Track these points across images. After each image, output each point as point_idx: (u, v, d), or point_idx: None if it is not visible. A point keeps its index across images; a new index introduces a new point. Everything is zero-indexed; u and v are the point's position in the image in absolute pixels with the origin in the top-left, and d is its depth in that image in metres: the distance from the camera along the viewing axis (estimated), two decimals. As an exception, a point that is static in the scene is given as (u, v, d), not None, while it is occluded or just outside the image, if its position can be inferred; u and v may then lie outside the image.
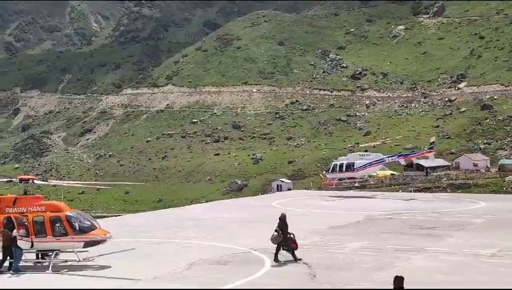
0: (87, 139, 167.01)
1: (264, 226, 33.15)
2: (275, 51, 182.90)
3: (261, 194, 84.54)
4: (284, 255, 21.65)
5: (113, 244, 23.06)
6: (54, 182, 33.12)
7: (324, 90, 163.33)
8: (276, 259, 21.42)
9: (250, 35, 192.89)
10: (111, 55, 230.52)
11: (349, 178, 52.55)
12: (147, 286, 18.20)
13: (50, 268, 20.76)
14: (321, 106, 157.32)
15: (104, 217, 59.93)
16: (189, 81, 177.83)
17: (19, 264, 20.95)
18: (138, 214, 57.68)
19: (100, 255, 22.18)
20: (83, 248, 21.54)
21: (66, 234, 21.25)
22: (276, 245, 21.66)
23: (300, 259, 21.46)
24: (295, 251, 21.74)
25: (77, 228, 21.39)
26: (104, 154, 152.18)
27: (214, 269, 20.65)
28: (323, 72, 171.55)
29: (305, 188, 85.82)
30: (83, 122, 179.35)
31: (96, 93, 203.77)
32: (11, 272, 20.56)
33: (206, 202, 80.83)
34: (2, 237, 20.76)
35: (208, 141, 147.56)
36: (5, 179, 24.39)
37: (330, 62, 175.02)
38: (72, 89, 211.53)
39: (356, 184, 58.89)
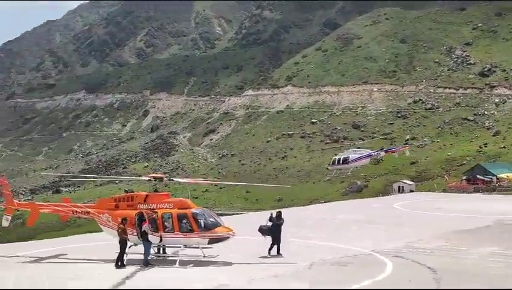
0: (211, 139, 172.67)
1: (385, 229, 32.54)
2: (396, 48, 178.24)
3: (382, 195, 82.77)
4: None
5: (236, 241, 23.67)
6: (185, 180, 34.66)
7: (449, 88, 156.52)
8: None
9: (370, 33, 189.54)
10: (233, 58, 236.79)
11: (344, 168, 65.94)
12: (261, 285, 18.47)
13: (177, 263, 21.71)
14: (446, 104, 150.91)
15: (226, 214, 61.75)
16: (309, 82, 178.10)
17: (148, 258, 22.15)
18: (259, 212, 58.77)
19: (222, 252, 22.85)
20: (208, 244, 22.31)
21: (192, 231, 22.12)
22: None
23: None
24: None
25: (202, 225, 22.20)
26: (227, 154, 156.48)
27: (334, 270, 20.55)
28: (448, 70, 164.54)
29: (429, 190, 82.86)
30: (207, 123, 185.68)
31: (220, 95, 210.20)
32: (142, 265, 21.74)
33: (325, 202, 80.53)
34: (121, 232, 21.89)
35: (328, 141, 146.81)
36: (144, 178, 25.80)
37: (456, 59, 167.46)
38: (197, 91, 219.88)
39: (352, 173, 75.95)
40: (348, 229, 32.87)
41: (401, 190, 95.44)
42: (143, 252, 21.99)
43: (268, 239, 23.67)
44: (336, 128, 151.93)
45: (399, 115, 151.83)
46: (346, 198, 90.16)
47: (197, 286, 17.79)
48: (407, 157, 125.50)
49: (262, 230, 23.97)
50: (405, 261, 21.76)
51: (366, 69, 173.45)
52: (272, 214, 24.37)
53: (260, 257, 23.03)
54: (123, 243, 21.64)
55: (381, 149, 69.67)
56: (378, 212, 42.69)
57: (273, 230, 23.61)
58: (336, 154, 71.70)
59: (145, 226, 22.05)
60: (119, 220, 22.57)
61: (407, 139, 71.63)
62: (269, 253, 23.39)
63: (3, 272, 21.27)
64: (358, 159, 62.07)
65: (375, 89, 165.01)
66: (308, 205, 73.55)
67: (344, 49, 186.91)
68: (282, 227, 23.99)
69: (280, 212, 24.25)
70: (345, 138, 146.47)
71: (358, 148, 71.96)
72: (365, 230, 31.81)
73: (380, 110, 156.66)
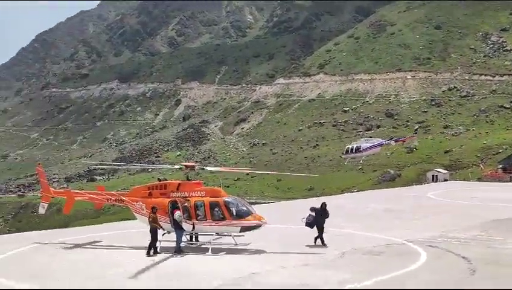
0: (242, 128, 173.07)
1: (419, 218, 32.19)
2: (431, 35, 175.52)
3: (415, 184, 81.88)
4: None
5: (267, 230, 23.70)
6: (216, 168, 34.92)
7: (485, 75, 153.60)
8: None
9: (404, 20, 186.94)
10: (265, 46, 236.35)
11: (357, 157, 68.79)
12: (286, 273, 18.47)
13: (210, 251, 21.87)
14: (482, 92, 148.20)
15: (258, 203, 61.89)
16: (341, 70, 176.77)
17: (181, 245, 22.36)
18: (291, 201, 58.82)
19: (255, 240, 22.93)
20: (239, 232, 22.40)
21: (224, 219, 22.24)
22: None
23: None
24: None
25: (234, 213, 22.29)
26: (258, 143, 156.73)
27: (366, 259, 20.42)
28: (484, 56, 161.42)
29: (464, 179, 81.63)
30: (238, 112, 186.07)
31: (251, 83, 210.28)
32: (174, 252, 21.96)
33: (358, 191, 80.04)
34: (151, 221, 22.07)
35: (360, 130, 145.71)
36: (176, 166, 26.02)
37: (492, 45, 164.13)
38: (228, 80, 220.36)
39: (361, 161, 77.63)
40: (381, 218, 32.61)
41: (435, 179, 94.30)
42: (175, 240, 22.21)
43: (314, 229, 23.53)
44: (368, 116, 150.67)
45: (433, 103, 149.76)
46: (379, 187, 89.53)
47: (228, 274, 17.89)
48: (441, 146, 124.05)
49: (310, 224, 23.57)
50: (439, 251, 21.48)
51: (400, 56, 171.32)
52: (318, 206, 23.89)
53: (291, 246, 23.03)
54: (154, 232, 21.84)
55: (391, 138, 73.54)
56: (412, 202, 42.23)
57: (319, 221, 23.32)
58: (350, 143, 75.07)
59: (177, 214, 22.21)
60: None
61: (416, 129, 79.80)
62: (315, 241, 23.34)
63: (40, 258, 21.74)
64: (370, 148, 65.25)
65: (409, 77, 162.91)
66: (340, 194, 73.26)
67: (377, 36, 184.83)
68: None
69: (325, 204, 23.85)
70: (378, 127, 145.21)
71: (370, 137, 77.46)
72: (398, 219, 31.50)
73: (414, 98, 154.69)
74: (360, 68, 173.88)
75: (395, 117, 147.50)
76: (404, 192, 54.29)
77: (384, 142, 68.59)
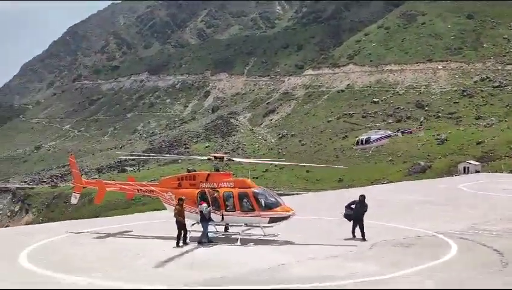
0: (271, 119, 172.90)
1: (450, 210, 31.82)
2: (462, 25, 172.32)
3: (446, 176, 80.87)
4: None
5: (296, 221, 23.71)
6: (245, 160, 35.06)
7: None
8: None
9: (435, 9, 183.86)
10: (293, 37, 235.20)
11: (367, 148, 74.03)
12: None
13: (239, 241, 22.01)
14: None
15: (287, 194, 61.94)
16: (371, 60, 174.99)
17: (211, 235, 22.54)
18: (320, 193, 58.73)
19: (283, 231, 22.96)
20: (268, 223, 22.47)
21: (252, 210, 22.32)
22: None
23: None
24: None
25: (263, 204, 22.36)
26: (287, 134, 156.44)
27: (396, 250, 20.30)
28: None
29: (496, 171, 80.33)
30: (267, 104, 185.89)
31: (279, 74, 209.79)
32: (197, 242, 22.06)
33: (388, 183, 79.42)
34: (176, 213, 22.18)
35: (390, 121, 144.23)
36: (206, 157, 26.19)
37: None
38: (257, 72, 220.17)
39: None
40: (411, 210, 32.33)
41: (466, 171, 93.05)
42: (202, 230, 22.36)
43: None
44: (398, 107, 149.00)
45: (465, 94, 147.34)
46: (409, 179, 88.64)
47: (256, 265, 17.98)
48: (473, 137, 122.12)
49: (348, 216, 23.16)
50: (470, 243, 21.24)
51: (431, 47, 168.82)
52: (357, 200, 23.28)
53: (320, 237, 23.01)
54: (180, 223, 21.98)
55: (397, 130, 78.22)
56: (442, 193, 41.75)
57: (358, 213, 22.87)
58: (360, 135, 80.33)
59: (203, 206, 22.24)
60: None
61: (422, 121, 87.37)
62: (353, 234, 22.97)
63: (71, 248, 22.15)
64: (379, 139, 69.43)
65: (440, 67, 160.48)
66: (370, 185, 72.81)
67: (407, 26, 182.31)
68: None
69: (363, 196, 23.26)
70: (408, 118, 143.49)
71: (379, 129, 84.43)
72: (429, 211, 31.19)
73: (445, 88, 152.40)
74: (390, 59, 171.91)
75: (426, 108, 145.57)
76: (434, 184, 53.68)
77: (392, 134, 72.35)
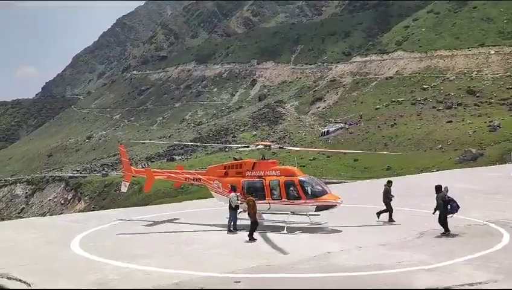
0: (318, 107, 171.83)
1: (502, 199, 30.99)
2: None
3: (499, 164, 78.68)
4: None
5: (343, 209, 23.58)
6: (292, 148, 35.05)
7: None
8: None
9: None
10: (341, 24, 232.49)
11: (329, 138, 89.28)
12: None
13: (285, 229, 22.05)
14: None
15: (334, 183, 61.55)
16: (420, 46, 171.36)
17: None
18: (367, 181, 58.19)
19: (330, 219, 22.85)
20: (315, 211, 22.41)
21: (299, 198, 22.29)
22: None
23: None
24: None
25: (309, 193, 22.31)
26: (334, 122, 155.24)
27: (446, 240, 19.95)
28: None
29: (552, 159, 77.63)
30: (314, 91, 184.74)
31: (326, 62, 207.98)
32: (231, 230, 22.16)
33: (437, 171, 77.85)
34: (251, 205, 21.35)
35: (440, 108, 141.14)
36: (250, 146, 26.30)
37: None
38: (304, 59, 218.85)
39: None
40: (461, 198, 31.53)
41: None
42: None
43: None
44: (449, 94, 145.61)
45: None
46: (460, 167, 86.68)
47: (304, 252, 17.99)
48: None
49: (446, 202, 21.29)
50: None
51: (483, 31, 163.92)
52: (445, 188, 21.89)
53: (368, 226, 22.83)
54: (253, 220, 21.09)
55: (345, 123, 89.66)
56: (494, 182, 40.68)
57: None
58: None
59: (232, 195, 22.16)
60: (229, 186, 23.20)
61: (361, 114, 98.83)
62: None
63: (121, 235, 22.65)
64: (334, 131, 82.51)
65: (493, 52, 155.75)
66: (419, 173, 71.63)
67: (458, 11, 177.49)
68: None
69: (440, 186, 21.81)
70: (459, 104, 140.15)
71: (336, 123, 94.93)
72: (480, 200, 30.47)
73: (498, 74, 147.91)
74: (440, 44, 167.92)
75: (477, 94, 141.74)
76: (486, 171, 52.35)
77: (346, 126, 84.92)
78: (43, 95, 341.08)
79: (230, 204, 22.17)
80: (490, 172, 51.55)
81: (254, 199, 21.36)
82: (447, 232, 20.81)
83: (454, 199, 21.20)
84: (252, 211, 20.89)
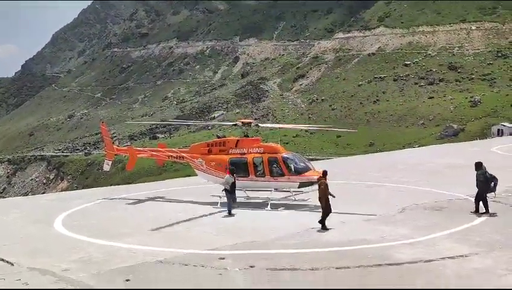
0: (301, 84, 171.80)
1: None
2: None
3: (480, 139, 79.58)
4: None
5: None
6: (274, 125, 35.04)
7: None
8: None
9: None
10: (323, 0, 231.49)
11: None
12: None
13: (269, 205, 22.15)
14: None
15: (317, 159, 61.81)
16: (402, 22, 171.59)
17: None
18: (349, 157, 58.52)
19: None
20: (298, 188, 22.54)
21: (282, 175, 22.38)
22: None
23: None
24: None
25: (292, 169, 22.38)
26: (317, 99, 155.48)
27: (428, 214, 20.19)
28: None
29: (531, 134, 78.64)
30: (297, 68, 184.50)
31: (309, 39, 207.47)
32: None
33: (419, 147, 78.62)
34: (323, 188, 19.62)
35: (422, 84, 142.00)
36: (231, 123, 26.26)
37: None
38: (286, 36, 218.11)
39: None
40: (443, 173, 32.02)
41: (500, 133, 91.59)
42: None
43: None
44: (430, 70, 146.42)
45: (499, 55, 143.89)
46: (441, 142, 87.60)
47: (287, 229, 18.10)
48: (508, 99, 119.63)
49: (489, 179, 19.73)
50: (504, 207, 20.98)
51: (464, 7, 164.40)
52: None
53: (352, 202, 22.99)
54: (324, 205, 18.67)
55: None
56: (475, 157, 41.13)
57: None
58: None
59: (227, 177, 21.92)
60: (212, 164, 23.30)
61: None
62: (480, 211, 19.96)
63: (104, 213, 22.61)
64: None
65: (474, 28, 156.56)
66: (401, 149, 72.21)
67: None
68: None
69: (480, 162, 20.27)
70: (441, 80, 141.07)
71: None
72: (461, 175, 30.79)
73: (479, 49, 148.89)
74: (421, 20, 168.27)
75: (459, 70, 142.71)
76: (467, 147, 52.92)
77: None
78: (23, 74, 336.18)
79: (226, 187, 21.72)
80: (471, 147, 52.14)
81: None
82: (487, 212, 19.40)
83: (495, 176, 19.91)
84: (324, 196, 18.58)
